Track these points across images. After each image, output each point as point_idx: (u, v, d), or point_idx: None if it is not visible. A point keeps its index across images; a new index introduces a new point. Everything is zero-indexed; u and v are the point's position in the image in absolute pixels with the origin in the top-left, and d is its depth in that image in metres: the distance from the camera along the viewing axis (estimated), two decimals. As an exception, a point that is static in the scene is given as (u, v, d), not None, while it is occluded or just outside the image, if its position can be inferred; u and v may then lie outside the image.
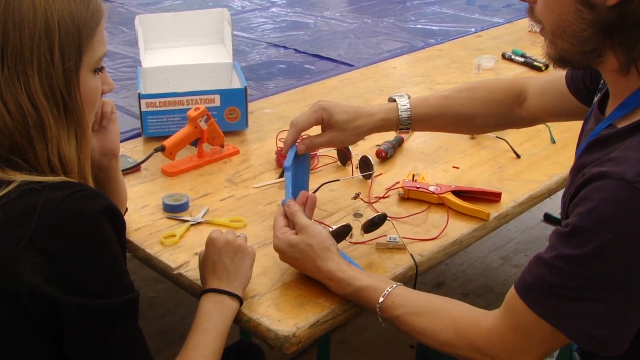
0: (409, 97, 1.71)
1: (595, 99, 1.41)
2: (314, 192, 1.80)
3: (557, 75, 1.64)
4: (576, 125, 2.22)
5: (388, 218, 1.64)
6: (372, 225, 1.61)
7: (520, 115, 1.76)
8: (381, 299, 1.39)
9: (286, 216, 1.51)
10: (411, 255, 1.58)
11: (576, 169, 1.27)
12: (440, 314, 1.35)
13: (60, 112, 1.16)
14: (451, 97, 1.75)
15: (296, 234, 1.47)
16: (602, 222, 1.11)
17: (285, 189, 1.57)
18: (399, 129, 1.70)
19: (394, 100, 1.70)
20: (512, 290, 1.25)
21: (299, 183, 1.64)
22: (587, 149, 1.26)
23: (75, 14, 1.16)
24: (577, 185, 1.19)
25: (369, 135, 1.72)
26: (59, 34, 1.14)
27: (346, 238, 1.58)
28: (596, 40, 1.20)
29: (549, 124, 2.23)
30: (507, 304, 1.27)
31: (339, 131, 1.65)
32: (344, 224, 1.57)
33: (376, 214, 1.62)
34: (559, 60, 1.29)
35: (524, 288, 1.22)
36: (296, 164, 1.64)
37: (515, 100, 1.75)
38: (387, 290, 1.39)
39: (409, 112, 1.68)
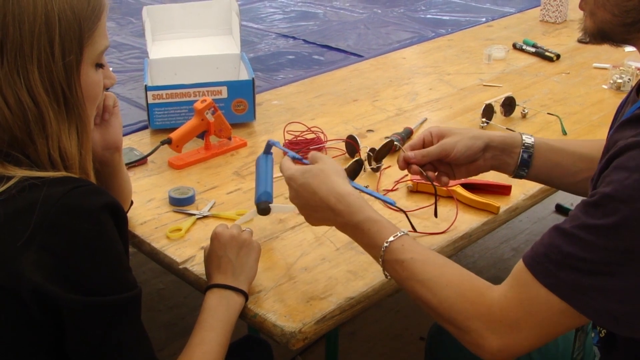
0: None
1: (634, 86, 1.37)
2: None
3: None
4: (587, 117, 2.21)
5: (395, 142, 1.60)
6: (381, 154, 1.56)
7: None
8: (391, 238, 1.30)
9: None
10: (419, 249, 1.56)
11: (607, 148, 1.21)
12: (449, 271, 1.27)
13: (60, 106, 1.15)
14: (574, 140, 1.68)
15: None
16: (635, 191, 1.05)
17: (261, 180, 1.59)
18: (520, 157, 1.57)
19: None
20: (519, 263, 1.18)
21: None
22: (620, 127, 1.20)
23: (76, 7, 1.15)
24: (609, 156, 1.13)
25: (486, 154, 1.57)
26: (60, 27, 1.13)
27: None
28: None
29: (560, 115, 2.21)
30: (513, 276, 1.19)
31: (450, 136, 1.56)
32: (355, 159, 1.54)
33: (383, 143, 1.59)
34: (598, 33, 1.25)
35: (534, 259, 1.15)
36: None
37: None
38: (400, 233, 1.31)
39: (532, 139, 1.58)
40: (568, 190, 1.63)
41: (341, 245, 1.59)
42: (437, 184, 1.59)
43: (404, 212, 1.60)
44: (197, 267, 1.52)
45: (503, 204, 1.75)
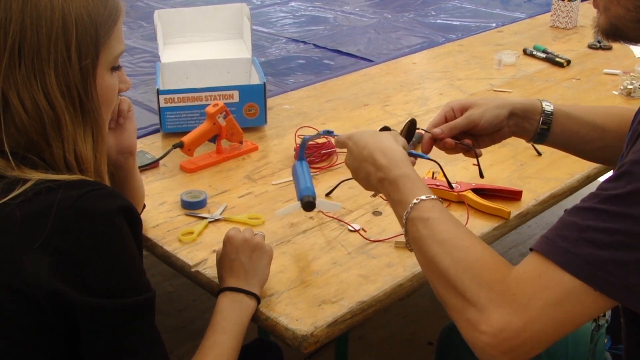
0: None
1: None
2: (333, 189, 1.79)
3: None
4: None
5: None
6: (410, 133, 1.57)
7: None
8: (424, 197, 1.26)
9: None
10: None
11: (629, 138, 1.20)
12: (472, 239, 1.21)
13: (76, 110, 1.16)
14: (589, 107, 1.68)
15: None
16: None
17: (301, 179, 1.58)
18: (541, 123, 1.57)
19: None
20: (529, 255, 1.13)
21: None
22: None
23: (93, 11, 1.16)
24: (637, 132, 1.11)
25: (510, 123, 1.57)
26: (77, 31, 1.14)
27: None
28: None
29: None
30: (525, 261, 1.13)
31: (475, 107, 1.55)
32: (409, 119, 1.54)
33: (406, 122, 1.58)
34: (611, 30, 1.25)
35: (545, 242, 1.10)
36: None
37: None
38: (434, 197, 1.27)
39: (552, 107, 1.58)
40: (581, 156, 1.65)
41: (352, 250, 1.60)
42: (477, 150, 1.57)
43: (437, 163, 1.57)
44: (209, 270, 1.53)
45: (514, 209, 1.75)
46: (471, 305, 1.12)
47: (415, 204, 1.26)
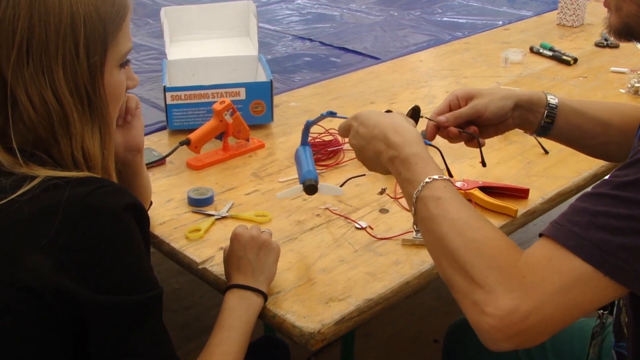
0: None
1: None
2: (340, 186, 1.79)
3: None
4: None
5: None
6: (414, 120, 1.58)
7: None
8: (436, 176, 1.23)
9: None
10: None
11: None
12: (484, 221, 1.18)
13: (84, 107, 1.16)
14: (593, 102, 1.67)
15: None
16: None
17: (303, 163, 1.58)
18: (545, 116, 1.57)
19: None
20: (539, 240, 1.11)
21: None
22: None
23: (101, 9, 1.16)
24: None
25: (514, 114, 1.57)
26: (85, 29, 1.14)
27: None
28: None
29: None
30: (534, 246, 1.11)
31: (479, 97, 1.55)
32: (412, 106, 1.55)
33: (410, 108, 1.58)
34: (623, 29, 1.25)
35: (555, 226, 1.09)
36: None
37: None
38: (446, 177, 1.24)
39: (556, 100, 1.57)
40: (583, 151, 1.65)
41: (359, 247, 1.60)
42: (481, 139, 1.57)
43: (439, 149, 1.56)
44: (217, 268, 1.53)
45: (521, 207, 1.74)
46: (479, 287, 1.09)
47: (427, 182, 1.23)
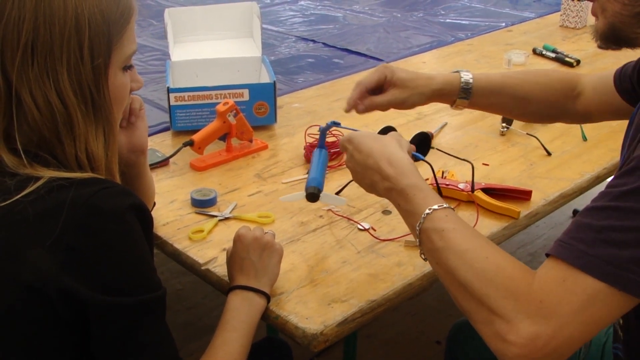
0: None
1: None
2: (343, 188, 1.79)
3: (609, 72, 1.62)
4: (607, 123, 2.20)
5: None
6: (423, 146, 1.61)
7: (575, 109, 1.72)
8: (436, 206, 1.24)
9: None
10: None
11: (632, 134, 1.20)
12: (490, 247, 1.18)
13: (88, 108, 1.16)
14: (511, 77, 1.74)
15: None
16: None
17: (312, 168, 1.60)
18: (458, 97, 1.68)
19: (457, 72, 1.70)
20: (548, 261, 1.11)
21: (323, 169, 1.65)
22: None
23: (106, 11, 1.16)
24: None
25: (429, 102, 1.70)
26: (89, 31, 1.14)
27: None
28: None
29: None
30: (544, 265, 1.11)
31: (401, 89, 1.63)
32: (419, 132, 1.58)
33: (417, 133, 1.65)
34: (609, 31, 1.28)
35: (560, 245, 1.08)
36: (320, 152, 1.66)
37: (571, 92, 1.71)
38: (446, 205, 1.25)
39: (470, 83, 1.66)
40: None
41: (362, 249, 1.60)
42: None
43: (430, 164, 1.56)
44: (220, 269, 1.53)
45: (523, 209, 1.75)
46: (498, 316, 1.09)
47: (427, 214, 1.24)
